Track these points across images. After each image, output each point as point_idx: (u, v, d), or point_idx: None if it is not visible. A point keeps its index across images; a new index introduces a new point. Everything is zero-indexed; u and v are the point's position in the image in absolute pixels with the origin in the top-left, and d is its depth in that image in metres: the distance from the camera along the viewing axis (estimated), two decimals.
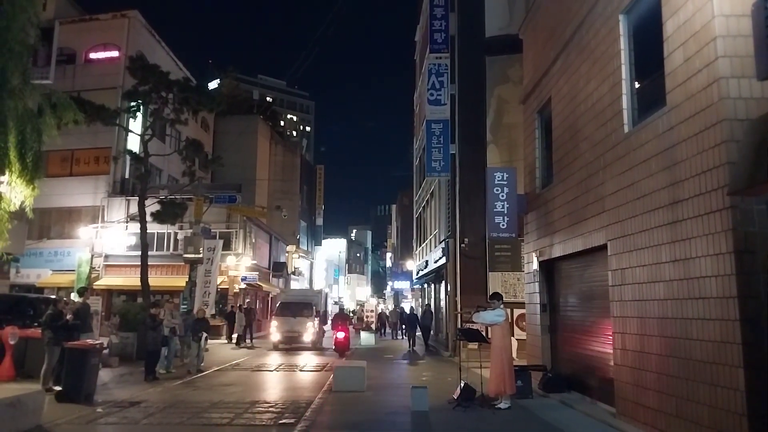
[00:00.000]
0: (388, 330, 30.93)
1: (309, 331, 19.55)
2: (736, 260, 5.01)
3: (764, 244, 4.94)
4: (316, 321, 20.47)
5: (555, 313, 10.41)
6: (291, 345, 19.52)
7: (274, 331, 19.63)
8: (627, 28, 7.43)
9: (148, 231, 18.54)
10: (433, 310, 23.19)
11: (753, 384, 4.82)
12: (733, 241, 5.03)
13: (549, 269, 10.60)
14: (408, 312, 24.84)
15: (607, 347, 7.80)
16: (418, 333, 21.31)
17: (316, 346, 19.81)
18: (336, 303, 58.83)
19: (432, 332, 21.72)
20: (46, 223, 25.45)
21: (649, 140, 6.56)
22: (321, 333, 21.46)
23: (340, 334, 17.43)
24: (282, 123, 71.90)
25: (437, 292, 23.43)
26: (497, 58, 17.04)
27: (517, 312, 14.07)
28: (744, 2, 4.96)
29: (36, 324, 10.78)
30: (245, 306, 24.61)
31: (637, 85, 7.29)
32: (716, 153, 5.30)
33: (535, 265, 10.97)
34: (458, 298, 16.83)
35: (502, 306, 8.82)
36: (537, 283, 10.86)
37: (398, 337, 27.28)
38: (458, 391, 8.64)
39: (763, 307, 4.86)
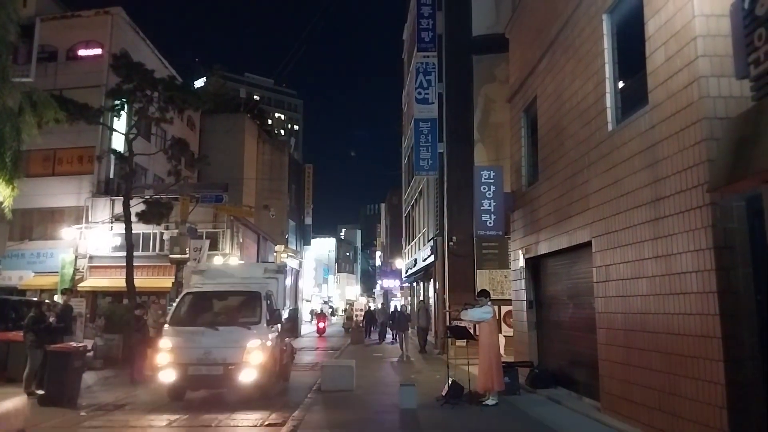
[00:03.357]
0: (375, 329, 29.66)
1: (253, 360, 8.56)
2: (715, 256, 5.09)
3: (743, 240, 5.02)
4: (272, 335, 9.35)
5: (541, 310, 10.49)
6: (209, 389, 9.34)
7: (165, 362, 8.59)
8: (610, 28, 7.51)
9: (133, 231, 18.28)
10: (428, 308, 19.97)
11: (733, 377, 4.91)
12: (713, 237, 5.12)
13: (535, 266, 10.69)
14: (398, 310, 20.96)
15: (592, 343, 7.88)
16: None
17: (265, 389, 8.96)
18: (326, 303, 59.19)
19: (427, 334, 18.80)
20: (28, 224, 25.03)
21: (632, 138, 6.64)
22: (285, 358, 10.76)
23: (321, 324, 29.72)
24: (270, 122, 71.47)
25: (426, 290, 23.48)
26: (484, 57, 17.13)
27: (504, 309, 14.17)
28: (723, 2, 5.03)
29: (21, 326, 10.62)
30: None
31: (620, 84, 7.38)
32: (696, 151, 5.38)
33: (521, 263, 11.05)
34: (446, 296, 16.91)
35: (489, 303, 8.89)
36: (524, 280, 10.94)
37: (387, 340, 23.19)
38: (446, 388, 8.68)
39: (742, 301, 4.95)
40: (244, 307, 9.59)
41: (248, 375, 8.49)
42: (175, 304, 10.08)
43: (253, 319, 9.06)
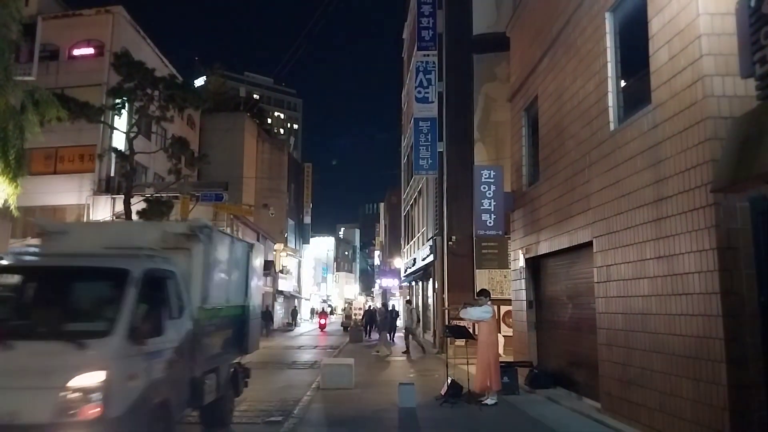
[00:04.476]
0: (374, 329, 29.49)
1: (79, 417, 3.90)
2: (718, 257, 5.06)
3: (746, 240, 4.99)
4: (150, 361, 4.60)
5: (541, 310, 10.47)
6: None
7: None
8: (613, 26, 7.48)
9: None
10: (412, 308, 19.27)
11: (735, 378, 4.89)
12: (716, 237, 5.09)
13: (535, 266, 10.66)
14: (389, 310, 20.30)
15: (592, 343, 7.86)
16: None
17: None
18: (324, 301, 59.48)
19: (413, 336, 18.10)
20: (30, 222, 25.07)
21: (635, 138, 6.61)
22: (216, 392, 6.24)
23: (322, 321, 33.97)
24: (269, 120, 71.53)
25: (425, 290, 23.46)
26: (484, 56, 17.09)
27: (503, 309, 14.15)
28: (728, 0, 5.01)
29: None
30: None
31: (622, 83, 7.35)
32: (700, 151, 5.35)
33: (521, 263, 11.02)
34: (446, 295, 16.88)
35: (489, 303, 8.87)
36: (523, 280, 10.91)
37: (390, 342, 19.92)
38: (445, 387, 8.67)
39: (744, 302, 4.93)
40: (94, 301, 5.09)
41: None
42: None
43: (96, 325, 4.53)
